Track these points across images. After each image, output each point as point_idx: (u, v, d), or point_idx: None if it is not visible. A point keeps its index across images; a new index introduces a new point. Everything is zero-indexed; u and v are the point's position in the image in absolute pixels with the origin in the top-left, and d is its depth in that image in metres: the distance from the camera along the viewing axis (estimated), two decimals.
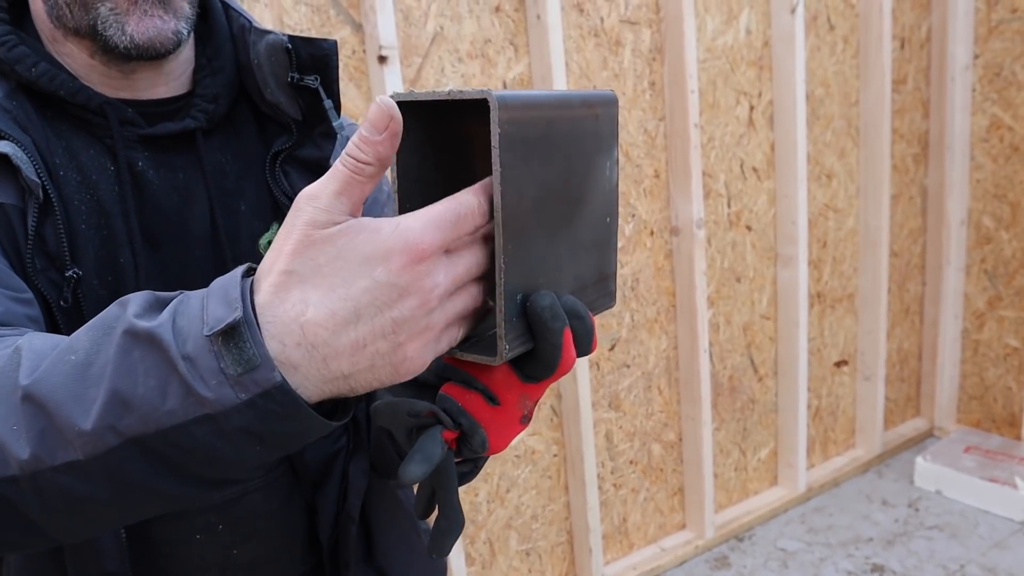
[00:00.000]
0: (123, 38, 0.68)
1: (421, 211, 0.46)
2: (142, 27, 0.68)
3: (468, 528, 2.04)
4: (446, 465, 0.58)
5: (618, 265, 2.05)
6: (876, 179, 2.57)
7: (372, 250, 0.44)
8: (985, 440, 2.72)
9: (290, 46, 0.77)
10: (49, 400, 0.46)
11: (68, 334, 0.61)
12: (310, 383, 0.45)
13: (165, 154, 0.74)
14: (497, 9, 1.85)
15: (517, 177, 0.48)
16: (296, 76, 0.76)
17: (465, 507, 2.02)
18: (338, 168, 0.45)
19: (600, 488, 2.24)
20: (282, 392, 0.44)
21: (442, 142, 0.54)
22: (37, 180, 0.66)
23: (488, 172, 0.47)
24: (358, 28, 1.68)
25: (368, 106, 1.71)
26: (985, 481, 2.45)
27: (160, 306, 0.48)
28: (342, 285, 0.44)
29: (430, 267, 0.45)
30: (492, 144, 0.46)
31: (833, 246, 2.61)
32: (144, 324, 0.45)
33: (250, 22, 0.79)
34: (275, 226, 0.79)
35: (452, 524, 0.58)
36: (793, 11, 2.22)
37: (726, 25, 2.21)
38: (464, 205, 0.47)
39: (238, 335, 0.44)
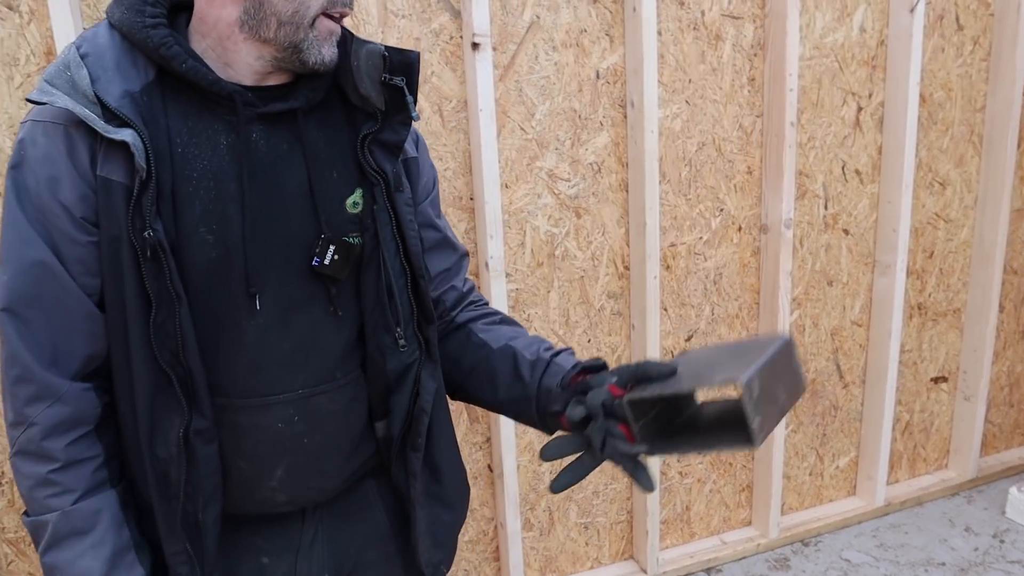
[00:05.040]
0: (318, 57, 0.92)
1: None
2: (328, 52, 0.93)
3: (528, 495, 2.14)
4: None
5: (703, 261, 2.07)
6: (996, 190, 2.43)
7: None
8: None
9: (386, 54, 0.97)
10: None
11: (149, 280, 0.87)
12: None
13: (274, 127, 0.94)
14: (595, 0, 1.90)
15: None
16: (388, 76, 0.96)
17: (528, 475, 2.13)
18: None
19: (665, 475, 2.29)
20: None
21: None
22: (144, 166, 0.85)
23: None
24: (457, 15, 1.78)
25: (462, 89, 1.82)
26: None
27: None
28: None
29: None
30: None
31: (941, 257, 2.50)
32: None
33: (351, 32, 0.99)
34: (359, 190, 1.00)
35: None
36: (912, 10, 2.14)
37: (838, 22, 2.15)
38: None
39: None
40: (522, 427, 2.08)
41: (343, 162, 0.98)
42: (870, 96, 2.25)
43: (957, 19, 2.31)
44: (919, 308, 2.52)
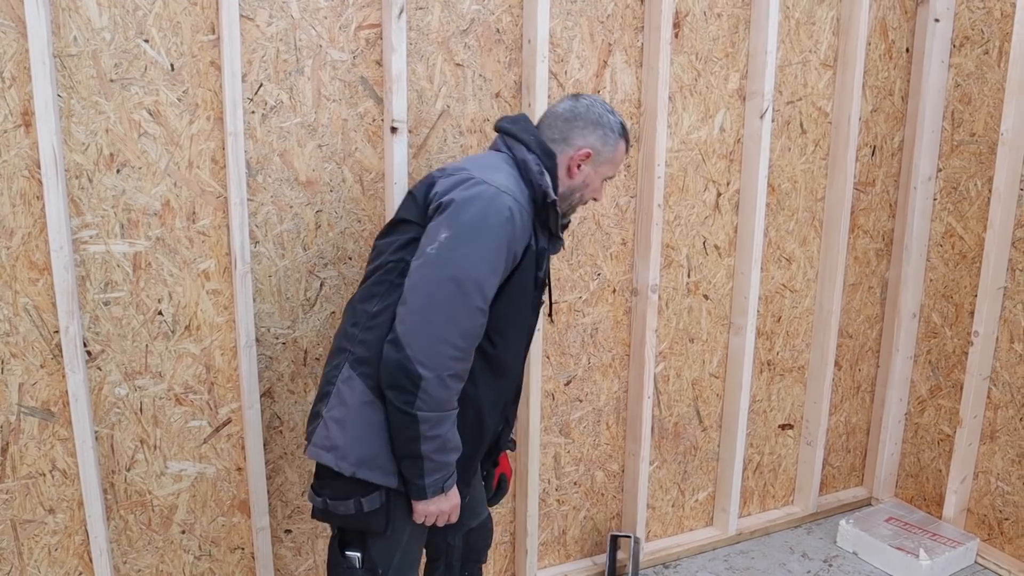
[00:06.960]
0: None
1: None
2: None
3: None
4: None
5: (582, 317, 2.39)
6: (833, 267, 2.89)
7: None
8: (908, 513, 2.99)
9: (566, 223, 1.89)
10: None
11: (533, 296, 1.76)
12: None
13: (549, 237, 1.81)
14: (497, 95, 2.26)
15: None
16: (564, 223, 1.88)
17: None
18: None
19: (544, 501, 2.61)
20: None
21: None
22: (534, 247, 1.71)
23: None
24: (379, 101, 2.12)
25: (380, 163, 2.14)
26: (893, 548, 2.73)
27: None
28: None
29: None
30: None
31: (787, 322, 2.94)
32: None
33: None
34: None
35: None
36: (762, 116, 2.59)
37: (701, 122, 2.58)
38: None
39: None
40: None
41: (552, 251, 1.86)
42: (728, 184, 2.68)
43: (801, 125, 2.78)
44: (768, 364, 2.94)
